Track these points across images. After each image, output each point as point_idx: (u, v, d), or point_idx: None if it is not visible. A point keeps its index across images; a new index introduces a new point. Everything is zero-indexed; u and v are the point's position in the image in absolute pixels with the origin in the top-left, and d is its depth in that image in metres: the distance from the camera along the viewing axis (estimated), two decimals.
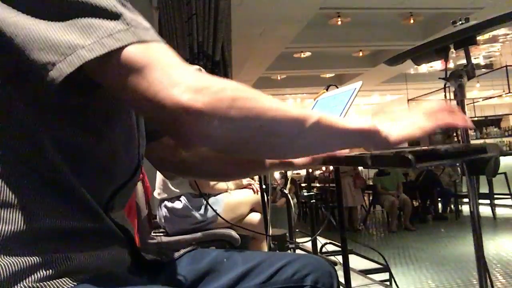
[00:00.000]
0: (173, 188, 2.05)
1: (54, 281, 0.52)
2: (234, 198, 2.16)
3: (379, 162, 0.68)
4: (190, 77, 0.50)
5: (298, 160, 0.88)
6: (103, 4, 0.51)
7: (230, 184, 2.22)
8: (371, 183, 7.43)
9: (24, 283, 0.51)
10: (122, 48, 0.49)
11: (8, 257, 0.51)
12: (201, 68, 1.97)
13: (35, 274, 0.52)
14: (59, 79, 0.48)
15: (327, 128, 0.59)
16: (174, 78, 0.49)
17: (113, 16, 0.50)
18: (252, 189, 2.27)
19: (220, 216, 1.95)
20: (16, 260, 0.51)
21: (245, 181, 2.31)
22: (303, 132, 0.56)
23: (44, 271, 0.52)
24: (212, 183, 2.08)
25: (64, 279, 0.53)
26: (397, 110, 0.67)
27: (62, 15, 0.50)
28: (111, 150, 0.63)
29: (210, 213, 2.03)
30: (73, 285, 0.53)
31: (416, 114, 0.65)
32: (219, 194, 2.14)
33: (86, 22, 0.49)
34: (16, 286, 0.50)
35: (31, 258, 0.52)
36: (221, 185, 2.17)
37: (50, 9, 0.50)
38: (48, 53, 0.49)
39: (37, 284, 0.51)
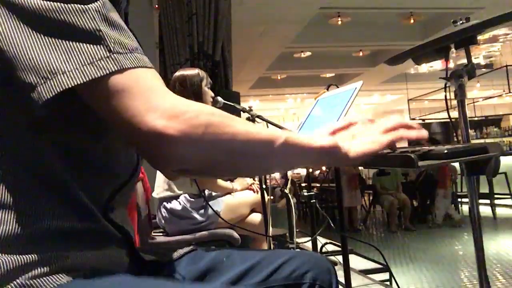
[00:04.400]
0: (175, 188, 2.05)
1: (48, 277, 0.53)
2: (234, 199, 2.15)
3: (382, 162, 0.68)
4: (166, 103, 0.52)
5: None
6: (87, 27, 0.51)
7: (236, 185, 2.22)
8: (371, 183, 7.42)
9: (18, 281, 0.51)
10: (101, 77, 0.50)
11: (4, 255, 0.52)
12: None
13: (30, 272, 0.52)
14: (40, 102, 0.49)
15: (293, 147, 0.61)
16: (150, 104, 0.51)
17: (96, 40, 0.51)
18: (253, 189, 2.27)
19: (220, 216, 1.95)
20: (12, 258, 0.52)
21: (249, 181, 2.31)
22: (272, 152, 0.59)
23: (39, 268, 0.53)
24: (214, 180, 2.08)
25: (58, 275, 0.54)
26: (356, 127, 0.70)
27: (46, 34, 0.50)
28: (109, 150, 0.63)
29: (210, 214, 2.02)
30: (66, 281, 0.54)
31: (373, 130, 0.68)
32: (223, 195, 2.14)
33: (69, 45, 0.50)
34: (11, 284, 0.51)
35: (27, 257, 0.52)
36: (226, 184, 2.17)
37: (35, 28, 0.50)
38: (29, 74, 0.50)
39: (31, 281, 0.52)
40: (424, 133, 0.67)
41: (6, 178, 0.54)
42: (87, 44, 0.51)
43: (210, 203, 2.01)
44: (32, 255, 0.53)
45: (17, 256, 0.52)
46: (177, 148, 0.52)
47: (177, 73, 2.10)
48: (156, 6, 4.12)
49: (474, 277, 3.52)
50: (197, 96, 2.02)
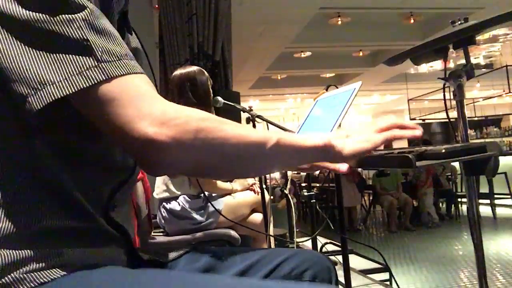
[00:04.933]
0: (173, 189, 2.05)
1: (43, 271, 0.54)
2: (235, 200, 2.15)
3: (380, 163, 0.68)
4: (157, 110, 0.53)
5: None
6: (74, 37, 0.52)
7: (236, 185, 2.21)
8: (371, 183, 7.41)
9: (14, 274, 0.52)
10: (90, 86, 0.51)
11: (1, 249, 0.53)
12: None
13: (26, 266, 0.53)
14: (32, 112, 0.50)
15: (286, 148, 0.62)
16: (141, 111, 0.52)
17: (84, 50, 0.52)
18: (253, 190, 2.27)
19: (221, 214, 1.95)
20: (9, 252, 0.53)
21: (251, 181, 2.30)
22: (264, 154, 0.60)
23: (35, 264, 0.53)
24: (213, 182, 2.07)
25: (53, 270, 0.54)
26: (351, 127, 0.71)
27: (35, 46, 0.51)
28: (107, 150, 0.64)
29: (210, 213, 2.02)
30: (61, 275, 0.54)
31: (368, 129, 0.69)
32: (223, 195, 2.13)
33: (57, 56, 0.51)
34: (6, 277, 0.52)
35: (23, 252, 0.53)
36: (225, 185, 2.17)
37: (24, 39, 0.51)
38: (20, 85, 0.51)
39: (26, 275, 0.53)
40: (418, 133, 0.67)
41: (4, 178, 0.55)
42: (75, 55, 0.51)
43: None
44: (29, 251, 0.53)
45: (14, 251, 0.53)
46: (169, 154, 0.52)
47: (183, 71, 2.05)
48: (156, 6, 4.13)
49: (474, 277, 3.51)
50: (207, 95, 2.00)
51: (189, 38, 3.52)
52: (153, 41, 4.24)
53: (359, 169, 6.89)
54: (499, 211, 6.93)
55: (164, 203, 2.07)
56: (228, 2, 3.72)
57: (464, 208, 7.33)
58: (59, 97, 0.50)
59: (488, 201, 6.63)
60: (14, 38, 0.51)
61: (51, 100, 0.50)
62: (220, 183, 2.13)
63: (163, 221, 2.08)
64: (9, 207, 0.54)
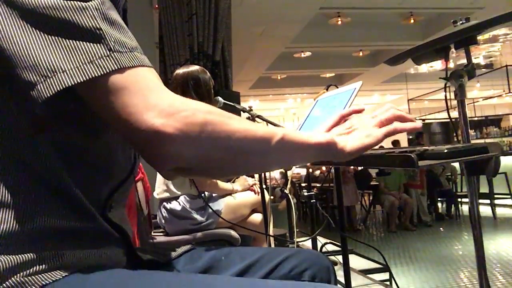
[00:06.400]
0: (174, 190, 2.05)
1: (43, 274, 0.53)
2: (235, 200, 2.15)
3: (382, 162, 0.68)
4: (165, 101, 0.52)
5: None
6: (87, 25, 0.51)
7: (236, 185, 2.21)
8: (371, 183, 7.41)
9: (14, 278, 0.52)
10: (101, 75, 0.50)
11: (2, 255, 0.52)
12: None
13: (27, 270, 0.53)
14: (39, 100, 0.49)
15: (290, 144, 0.61)
16: (149, 102, 0.51)
17: (96, 38, 0.51)
18: (254, 190, 2.27)
19: (219, 216, 1.95)
20: (10, 257, 0.52)
21: (251, 182, 2.30)
22: (269, 149, 0.59)
23: (35, 266, 0.53)
24: (214, 182, 2.07)
25: (54, 272, 0.54)
26: (352, 122, 0.70)
27: (46, 32, 0.50)
28: (107, 149, 0.64)
29: (210, 214, 2.02)
30: (62, 277, 0.54)
31: (368, 123, 0.68)
32: (223, 196, 2.13)
33: (69, 43, 0.50)
34: (7, 282, 0.52)
35: (24, 256, 0.53)
36: (226, 185, 2.16)
37: (35, 26, 0.50)
38: (29, 72, 0.49)
39: (27, 278, 0.52)
40: (418, 125, 0.67)
41: (4, 177, 0.54)
42: (87, 43, 0.51)
43: (210, 204, 2.01)
44: (29, 254, 0.53)
45: (15, 255, 0.52)
46: (175, 146, 0.52)
47: (186, 70, 2.04)
48: (156, 6, 4.12)
49: (474, 277, 3.52)
50: (209, 94, 2.00)
51: (189, 38, 3.52)
52: (153, 41, 4.24)
53: (359, 168, 6.90)
54: (499, 211, 6.93)
55: (164, 203, 2.07)
56: (228, 2, 3.72)
57: (464, 208, 7.33)
58: (70, 85, 0.49)
59: (488, 201, 6.63)
60: (25, 24, 0.50)
61: (61, 88, 0.49)
62: (221, 183, 2.12)
63: (163, 221, 2.08)
64: (8, 207, 0.54)
